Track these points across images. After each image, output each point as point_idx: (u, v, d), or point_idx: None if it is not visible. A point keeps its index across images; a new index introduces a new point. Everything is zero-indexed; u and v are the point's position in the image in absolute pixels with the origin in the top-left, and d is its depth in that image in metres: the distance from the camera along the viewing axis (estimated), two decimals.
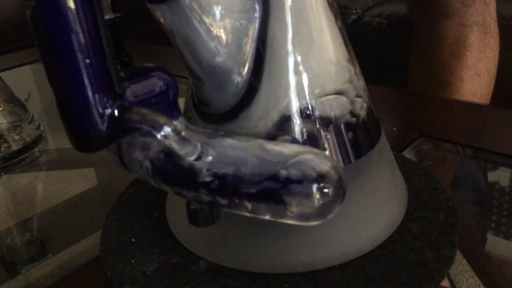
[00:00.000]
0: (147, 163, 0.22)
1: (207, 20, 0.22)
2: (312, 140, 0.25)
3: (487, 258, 0.31)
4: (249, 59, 0.24)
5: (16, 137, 0.46)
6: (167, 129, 0.20)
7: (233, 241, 0.27)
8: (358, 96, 0.26)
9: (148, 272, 0.27)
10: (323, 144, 0.25)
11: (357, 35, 1.16)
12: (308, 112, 0.24)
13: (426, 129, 0.45)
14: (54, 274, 0.31)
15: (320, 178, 0.19)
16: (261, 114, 0.24)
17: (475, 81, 0.62)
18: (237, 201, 0.20)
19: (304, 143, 0.24)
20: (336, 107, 0.25)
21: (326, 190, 0.19)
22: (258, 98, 0.24)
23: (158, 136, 0.20)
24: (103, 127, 0.19)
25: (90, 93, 0.19)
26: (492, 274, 0.30)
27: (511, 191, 0.38)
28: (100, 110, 0.19)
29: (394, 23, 1.11)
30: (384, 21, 1.13)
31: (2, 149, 0.45)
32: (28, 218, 0.39)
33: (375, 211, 0.27)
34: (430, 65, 0.65)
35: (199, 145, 0.20)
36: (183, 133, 0.20)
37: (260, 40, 0.24)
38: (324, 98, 0.25)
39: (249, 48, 0.24)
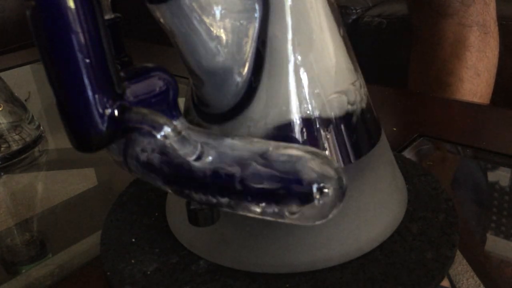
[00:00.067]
0: (147, 163, 0.22)
1: (207, 20, 0.22)
2: (312, 140, 0.25)
3: (487, 258, 0.31)
4: (249, 59, 0.24)
5: (16, 137, 0.46)
6: (167, 129, 0.20)
7: (233, 241, 0.27)
8: (358, 96, 0.26)
9: (148, 272, 0.27)
10: (323, 144, 0.25)
11: (357, 35, 1.16)
12: (308, 112, 0.24)
13: (426, 129, 0.45)
14: (54, 274, 0.31)
15: (320, 178, 0.19)
16: (261, 114, 0.24)
17: (475, 81, 0.62)
18: (237, 201, 0.20)
19: (304, 143, 0.24)
20: (336, 107, 0.25)
21: (326, 190, 0.19)
22: (258, 98, 0.24)
23: (158, 136, 0.20)
24: (103, 127, 0.19)
25: (90, 93, 0.19)
26: (492, 274, 0.30)
27: (511, 191, 0.38)
28: (100, 110, 0.19)
29: (394, 23, 1.11)
30: (384, 21, 1.13)
31: (2, 149, 0.45)
32: (28, 218, 0.38)
33: (375, 211, 0.27)
34: (430, 65, 0.65)
35: (199, 145, 0.20)
36: (183, 133, 0.20)
37: (260, 40, 0.24)
38: (324, 98, 0.25)
39: (249, 48, 0.24)
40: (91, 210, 0.39)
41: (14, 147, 0.46)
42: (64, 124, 0.20)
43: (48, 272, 0.31)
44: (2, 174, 0.44)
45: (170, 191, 0.22)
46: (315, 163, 0.19)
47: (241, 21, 0.23)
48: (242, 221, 0.25)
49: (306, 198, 0.19)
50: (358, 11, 1.19)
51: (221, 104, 0.25)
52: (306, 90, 0.24)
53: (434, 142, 0.43)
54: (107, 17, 0.25)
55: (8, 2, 1.23)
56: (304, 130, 0.24)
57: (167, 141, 0.20)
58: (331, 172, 0.19)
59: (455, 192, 0.38)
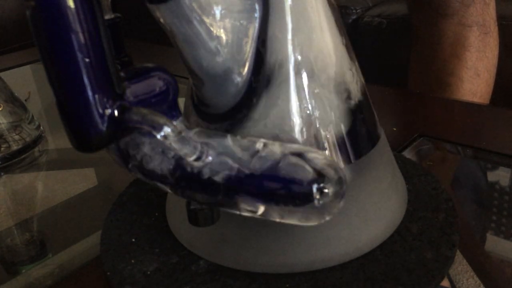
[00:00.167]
0: (147, 164, 0.22)
1: (207, 20, 0.22)
2: (312, 140, 0.25)
3: (487, 258, 0.31)
4: (249, 59, 0.24)
5: (16, 137, 0.46)
6: (167, 129, 0.20)
7: (233, 241, 0.27)
8: (358, 96, 0.26)
9: (148, 272, 0.27)
10: (323, 144, 0.25)
11: (357, 35, 1.16)
12: (308, 112, 0.24)
13: (426, 129, 0.45)
14: (54, 274, 0.31)
15: (320, 178, 0.19)
16: (261, 114, 0.24)
17: (475, 81, 0.62)
18: (237, 201, 0.20)
19: (304, 143, 0.24)
20: (336, 107, 0.25)
21: (326, 191, 0.19)
22: (258, 98, 0.24)
23: (158, 137, 0.20)
24: (103, 127, 0.19)
25: (90, 93, 0.19)
26: (492, 274, 0.30)
27: (511, 191, 0.38)
28: (100, 110, 0.19)
29: (394, 23, 1.11)
30: (384, 21, 1.13)
31: (2, 149, 0.45)
32: (28, 218, 0.38)
33: (375, 211, 0.27)
34: (430, 65, 0.65)
35: (199, 146, 0.20)
36: (183, 133, 0.20)
37: (260, 40, 0.24)
38: (324, 98, 0.25)
39: (249, 48, 0.24)
40: (91, 210, 0.39)
41: (14, 147, 0.46)
42: (64, 124, 0.20)
43: (48, 272, 0.31)
44: (2, 174, 0.44)
45: (170, 191, 0.22)
46: (315, 163, 0.19)
47: (241, 21, 0.23)
48: (242, 221, 0.25)
49: (306, 198, 0.19)
50: (358, 11, 1.19)
51: (221, 104, 0.25)
52: (306, 90, 0.24)
53: (434, 142, 0.43)
54: (107, 17, 0.25)
55: (8, 2, 1.23)
56: (304, 130, 0.24)
57: (167, 141, 0.20)
58: (331, 172, 0.19)
59: (455, 192, 0.38)
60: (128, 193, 0.35)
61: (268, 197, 0.20)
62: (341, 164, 0.25)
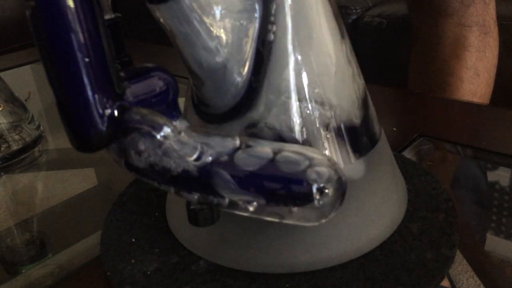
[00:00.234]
0: (147, 164, 0.22)
1: (207, 20, 0.22)
2: (312, 140, 0.25)
3: (487, 258, 0.31)
4: (249, 59, 0.24)
5: (16, 137, 0.46)
6: (166, 130, 0.20)
7: (233, 241, 0.27)
8: (358, 96, 0.26)
9: (148, 272, 0.27)
10: (323, 144, 0.25)
11: (357, 35, 1.16)
12: (308, 112, 0.24)
13: (426, 129, 0.45)
14: (54, 274, 0.31)
15: (320, 178, 0.19)
16: (261, 114, 0.24)
17: (474, 81, 0.62)
18: (237, 201, 0.20)
19: (304, 143, 0.24)
20: (336, 107, 0.25)
21: (326, 191, 0.19)
22: (258, 98, 0.24)
23: (158, 137, 0.20)
24: (103, 127, 0.19)
25: (90, 93, 0.19)
26: (492, 274, 0.30)
27: (511, 191, 0.38)
28: (100, 110, 0.19)
29: (394, 23, 1.11)
30: (384, 21, 1.13)
31: (2, 149, 0.45)
32: (28, 218, 0.38)
33: (375, 211, 0.27)
34: (430, 65, 0.65)
35: (199, 146, 0.20)
36: (182, 134, 0.20)
37: (260, 40, 0.24)
38: (324, 98, 0.25)
39: (249, 48, 0.24)
40: (91, 210, 0.39)
41: (14, 147, 0.46)
42: (64, 124, 0.20)
43: (48, 272, 0.31)
44: (2, 174, 0.44)
45: (170, 191, 0.22)
46: (315, 163, 0.19)
47: (241, 21, 0.23)
48: (242, 221, 0.25)
49: (306, 198, 0.19)
50: (358, 11, 1.19)
51: (221, 104, 0.25)
52: (306, 89, 0.24)
53: (434, 142, 0.43)
54: (107, 17, 0.25)
55: (8, 2, 1.23)
56: (304, 130, 0.24)
57: (167, 142, 0.20)
58: (331, 173, 0.19)
59: (455, 192, 0.38)
60: (128, 193, 0.35)
61: (268, 197, 0.20)
62: (341, 164, 0.25)
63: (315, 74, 0.24)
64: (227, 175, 0.20)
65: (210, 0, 0.22)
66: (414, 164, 0.36)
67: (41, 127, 0.50)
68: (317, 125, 0.25)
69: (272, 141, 0.21)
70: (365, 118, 0.27)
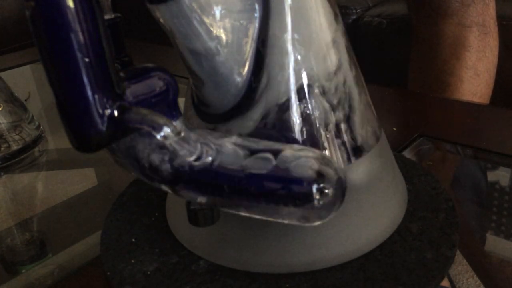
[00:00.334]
0: (147, 164, 0.22)
1: (207, 20, 0.22)
2: (312, 140, 0.25)
3: (487, 258, 0.31)
4: (249, 59, 0.24)
5: (16, 137, 0.46)
6: (166, 130, 0.20)
7: (233, 241, 0.27)
8: (358, 96, 0.26)
9: (148, 272, 0.27)
10: (323, 144, 0.25)
11: (357, 35, 1.16)
12: (308, 112, 0.24)
13: (426, 129, 0.45)
14: (54, 274, 0.31)
15: (320, 178, 0.19)
16: (261, 114, 0.24)
17: (474, 81, 0.62)
18: (237, 201, 0.20)
19: (304, 143, 0.24)
20: (336, 107, 0.25)
21: (326, 191, 0.19)
22: (258, 98, 0.24)
23: (158, 137, 0.20)
24: (103, 127, 0.19)
25: (90, 93, 0.19)
26: (492, 274, 0.30)
27: (511, 191, 0.38)
28: (100, 110, 0.19)
29: (394, 23, 1.11)
30: (384, 21, 1.13)
31: (2, 149, 0.45)
32: (28, 218, 0.38)
33: (375, 211, 0.27)
34: (430, 65, 0.65)
35: (199, 146, 0.20)
36: (182, 134, 0.20)
37: (260, 40, 0.24)
38: (324, 98, 0.25)
39: (249, 48, 0.24)
40: (91, 210, 0.39)
41: (14, 147, 0.46)
42: (64, 124, 0.20)
43: (48, 272, 0.31)
44: (2, 174, 0.44)
45: (169, 191, 0.22)
46: (315, 164, 0.19)
47: (241, 21, 0.23)
48: (242, 221, 0.25)
49: (306, 198, 0.19)
50: (358, 11, 1.19)
51: (221, 104, 0.25)
52: (306, 89, 0.24)
53: (434, 142, 0.43)
54: (107, 17, 0.25)
55: (8, 2, 1.23)
56: (304, 130, 0.24)
57: (167, 142, 0.20)
58: (331, 173, 0.19)
59: (455, 192, 0.38)
60: (128, 193, 0.35)
61: (268, 197, 0.20)
62: (341, 164, 0.25)
63: (315, 74, 0.24)
64: (226, 175, 0.20)
65: (210, 0, 0.22)
66: (414, 164, 0.36)
67: (41, 127, 0.50)
68: (317, 125, 0.25)
69: (272, 141, 0.21)
70: (366, 118, 0.27)
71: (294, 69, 0.24)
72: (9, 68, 0.72)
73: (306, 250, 0.26)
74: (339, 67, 0.25)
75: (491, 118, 0.48)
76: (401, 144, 0.42)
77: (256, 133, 0.24)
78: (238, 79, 0.24)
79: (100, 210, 0.36)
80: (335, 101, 0.25)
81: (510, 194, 0.37)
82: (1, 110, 0.47)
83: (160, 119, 0.20)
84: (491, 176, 0.41)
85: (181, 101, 0.24)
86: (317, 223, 0.20)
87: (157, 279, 0.27)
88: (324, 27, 0.25)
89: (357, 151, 0.26)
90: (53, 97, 0.19)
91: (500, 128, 0.45)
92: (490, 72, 0.63)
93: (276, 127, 0.24)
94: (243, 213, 0.21)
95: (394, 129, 0.45)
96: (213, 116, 0.25)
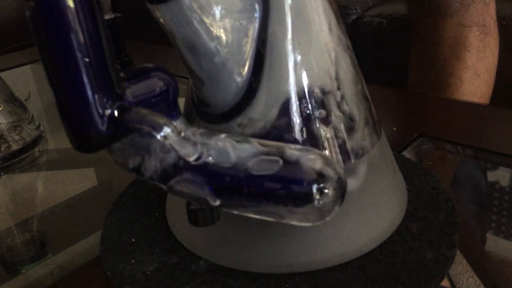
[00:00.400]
0: (147, 164, 0.22)
1: (207, 20, 0.22)
2: (312, 140, 0.25)
3: (487, 258, 0.31)
4: (249, 59, 0.24)
5: (16, 137, 0.46)
6: (167, 130, 0.20)
7: (233, 241, 0.27)
8: (358, 95, 0.26)
9: (148, 272, 0.27)
10: (323, 144, 0.25)
11: (357, 35, 1.16)
12: (308, 112, 0.24)
13: (426, 129, 0.45)
14: (54, 274, 0.31)
15: (320, 178, 0.19)
16: (261, 114, 0.24)
17: (474, 81, 0.62)
18: (237, 201, 0.20)
19: (304, 143, 0.24)
20: (336, 107, 0.25)
21: (326, 191, 0.19)
22: (258, 98, 0.24)
23: (158, 137, 0.20)
24: (103, 127, 0.19)
25: (90, 93, 0.19)
26: (492, 274, 0.30)
27: (511, 191, 0.38)
28: (100, 111, 0.19)
29: (394, 23, 1.11)
30: (384, 21, 1.13)
31: (2, 149, 0.45)
32: (28, 218, 0.38)
33: (375, 211, 0.27)
34: (430, 65, 0.65)
35: (199, 146, 0.20)
36: (182, 134, 0.20)
37: (260, 40, 0.24)
38: (324, 98, 0.25)
39: (249, 48, 0.24)
40: (91, 210, 0.39)
41: (14, 147, 0.46)
42: (64, 124, 0.20)
43: (48, 272, 0.31)
44: (2, 174, 0.44)
45: (169, 191, 0.22)
46: (315, 164, 0.19)
47: (241, 21, 0.23)
48: (242, 221, 0.25)
49: (306, 198, 0.19)
50: (358, 11, 1.19)
51: (221, 104, 0.25)
52: (306, 90, 0.24)
53: (434, 142, 0.43)
54: (107, 17, 0.25)
55: (8, 2, 1.23)
56: (304, 130, 0.24)
57: (167, 142, 0.20)
58: (331, 173, 0.19)
59: (455, 192, 0.38)
60: (128, 193, 0.35)
61: (268, 198, 0.20)
62: (341, 164, 0.25)
63: (315, 74, 0.24)
64: (226, 175, 0.20)
65: (210, 0, 0.22)
66: (414, 164, 0.36)
67: (41, 127, 0.50)
68: (317, 125, 0.25)
69: (272, 141, 0.21)
70: (366, 118, 0.27)
71: (294, 69, 0.24)
72: (9, 68, 0.72)
73: (306, 250, 0.26)
74: (339, 67, 0.25)
75: (491, 118, 0.48)
76: (401, 144, 0.42)
77: (256, 133, 0.24)
78: (238, 79, 0.24)
79: (100, 210, 0.36)
80: (335, 101, 0.25)
81: (510, 194, 0.37)
82: (1, 110, 0.47)
83: (160, 119, 0.20)
84: (491, 176, 0.41)
85: (181, 101, 0.24)
86: (317, 223, 0.20)
87: (157, 279, 0.27)
88: (324, 27, 0.25)
89: (357, 151, 0.26)
90: (53, 97, 0.19)
91: (500, 128, 0.45)
92: (490, 72, 0.63)
93: (276, 127, 0.24)
94: (243, 213, 0.21)
95: (394, 129, 0.45)
96: (213, 116, 0.25)
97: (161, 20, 0.23)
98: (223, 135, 0.21)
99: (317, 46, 0.24)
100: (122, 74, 0.20)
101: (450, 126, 0.46)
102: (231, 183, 0.20)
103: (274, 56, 0.24)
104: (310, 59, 0.24)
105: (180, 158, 0.20)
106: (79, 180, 0.43)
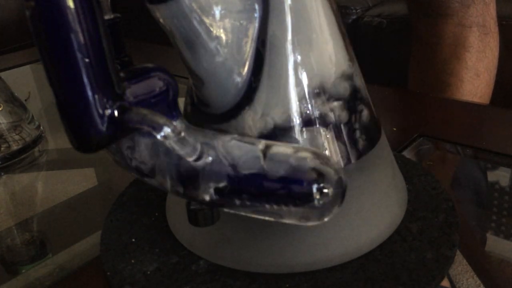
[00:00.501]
0: (147, 164, 0.22)
1: (207, 20, 0.22)
2: (312, 140, 0.25)
3: (487, 258, 0.31)
4: (249, 59, 0.24)
5: (16, 137, 0.46)
6: (167, 130, 0.20)
7: (233, 241, 0.27)
8: (357, 95, 0.26)
9: (148, 272, 0.27)
10: (323, 144, 0.25)
11: (357, 35, 1.16)
12: (308, 112, 0.24)
13: (426, 129, 0.45)
14: (54, 274, 0.31)
15: (320, 178, 0.19)
16: (261, 114, 0.24)
17: (474, 81, 0.62)
18: (237, 201, 0.20)
19: (304, 143, 0.24)
20: (336, 107, 0.25)
21: (326, 191, 0.19)
22: (258, 98, 0.24)
23: (158, 137, 0.20)
24: (103, 127, 0.19)
25: (90, 93, 0.19)
26: (492, 274, 0.30)
27: (511, 191, 0.38)
28: (100, 111, 0.19)
29: (394, 23, 1.11)
30: (384, 21, 1.13)
31: (2, 149, 0.45)
32: (28, 218, 0.39)
33: (375, 211, 0.27)
34: (430, 65, 0.65)
35: (199, 146, 0.20)
36: (182, 134, 0.20)
37: (260, 40, 0.24)
38: (324, 98, 0.25)
39: (249, 48, 0.24)
40: (91, 210, 0.39)
41: (14, 147, 0.46)
42: (64, 124, 0.20)
43: (48, 272, 0.31)
44: (2, 174, 0.44)
45: (169, 191, 0.22)
46: (315, 163, 0.19)
47: (241, 21, 0.23)
48: (242, 221, 0.25)
49: (306, 198, 0.19)
50: (358, 11, 1.19)
51: (221, 104, 0.25)
52: (306, 89, 0.24)
53: (434, 142, 0.43)
54: (107, 17, 0.25)
55: (8, 2, 1.23)
56: (304, 130, 0.24)
57: (167, 142, 0.20)
58: (331, 173, 0.19)
59: (455, 192, 0.38)
60: (128, 193, 0.35)
61: (268, 197, 0.20)
62: (341, 164, 0.25)
63: (315, 74, 0.24)
64: (227, 176, 0.20)
65: (210, 0, 0.22)
66: (414, 164, 0.36)
67: (41, 127, 0.50)
68: (317, 125, 0.25)
69: (272, 141, 0.21)
70: (366, 118, 0.27)
71: (294, 69, 0.24)
72: (9, 68, 0.72)
73: (306, 250, 0.26)
74: (338, 67, 0.25)
75: (491, 118, 0.48)
76: (401, 144, 0.42)
77: (256, 133, 0.24)
78: (238, 79, 0.24)
79: (100, 210, 0.36)
80: (335, 101, 0.25)
81: (510, 194, 0.37)
82: (1, 110, 0.47)
83: (160, 119, 0.20)
84: (491, 176, 0.41)
85: (181, 101, 0.24)
86: (317, 223, 0.20)
87: (157, 279, 0.27)
88: (324, 27, 0.25)
89: (357, 151, 0.26)
90: (53, 97, 0.19)
91: (500, 128, 0.45)
92: (490, 72, 0.63)
93: (276, 127, 0.24)
94: (243, 213, 0.21)
95: (394, 129, 0.45)
96: (213, 116, 0.25)
97: (161, 20, 0.23)
98: (223, 135, 0.21)
99: (317, 46, 0.24)
100: (122, 74, 0.20)
101: (450, 126, 0.46)
102: (231, 183, 0.20)
103: (274, 56, 0.24)
104: (310, 58, 0.24)
105: (180, 158, 0.20)
106: (79, 180, 0.43)
